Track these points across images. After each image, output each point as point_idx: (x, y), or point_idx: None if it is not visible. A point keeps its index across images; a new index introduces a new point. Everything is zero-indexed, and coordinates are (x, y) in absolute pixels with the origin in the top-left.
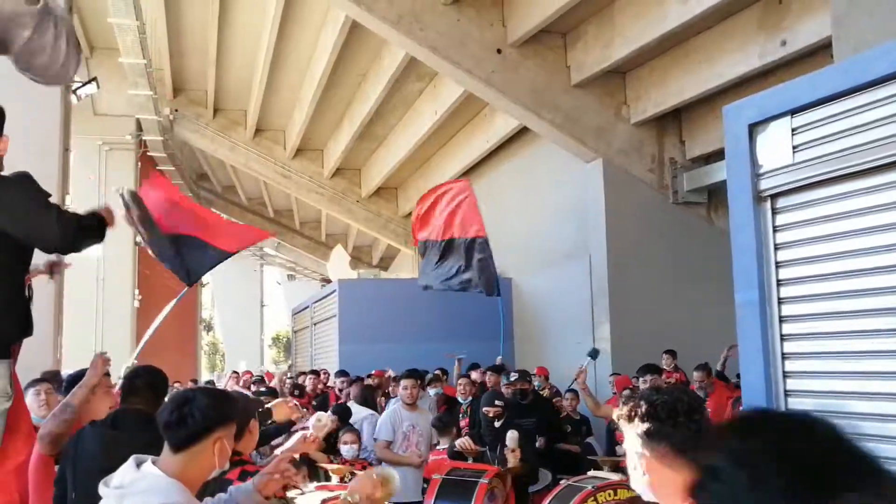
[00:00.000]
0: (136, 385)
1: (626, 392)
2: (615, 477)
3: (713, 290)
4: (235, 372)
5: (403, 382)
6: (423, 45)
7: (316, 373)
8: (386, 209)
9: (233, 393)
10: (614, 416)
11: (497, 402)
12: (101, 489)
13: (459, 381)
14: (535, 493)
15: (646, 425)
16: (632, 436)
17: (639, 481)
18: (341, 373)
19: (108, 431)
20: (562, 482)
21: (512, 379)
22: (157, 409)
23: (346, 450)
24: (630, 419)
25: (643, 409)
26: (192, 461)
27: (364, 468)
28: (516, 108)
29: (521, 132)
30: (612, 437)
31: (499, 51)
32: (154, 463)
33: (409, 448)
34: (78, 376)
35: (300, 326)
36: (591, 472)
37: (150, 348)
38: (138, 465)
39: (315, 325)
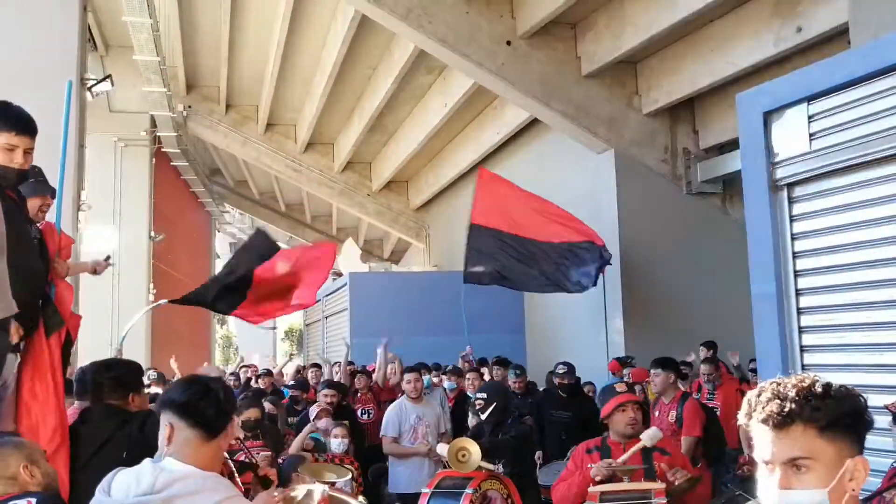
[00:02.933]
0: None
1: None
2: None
3: (729, 282)
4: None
5: (407, 376)
6: (432, 38)
7: (318, 366)
8: (397, 202)
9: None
10: (750, 420)
11: (478, 395)
12: (107, 499)
13: (468, 376)
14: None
15: (867, 422)
16: (788, 443)
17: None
18: (331, 384)
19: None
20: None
21: (560, 372)
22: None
23: (337, 444)
24: (853, 415)
25: (862, 403)
26: (220, 446)
27: (351, 463)
28: (526, 100)
29: (532, 124)
30: None
31: (508, 42)
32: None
33: (416, 440)
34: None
35: (312, 319)
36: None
37: (165, 342)
38: (154, 462)
39: (327, 318)
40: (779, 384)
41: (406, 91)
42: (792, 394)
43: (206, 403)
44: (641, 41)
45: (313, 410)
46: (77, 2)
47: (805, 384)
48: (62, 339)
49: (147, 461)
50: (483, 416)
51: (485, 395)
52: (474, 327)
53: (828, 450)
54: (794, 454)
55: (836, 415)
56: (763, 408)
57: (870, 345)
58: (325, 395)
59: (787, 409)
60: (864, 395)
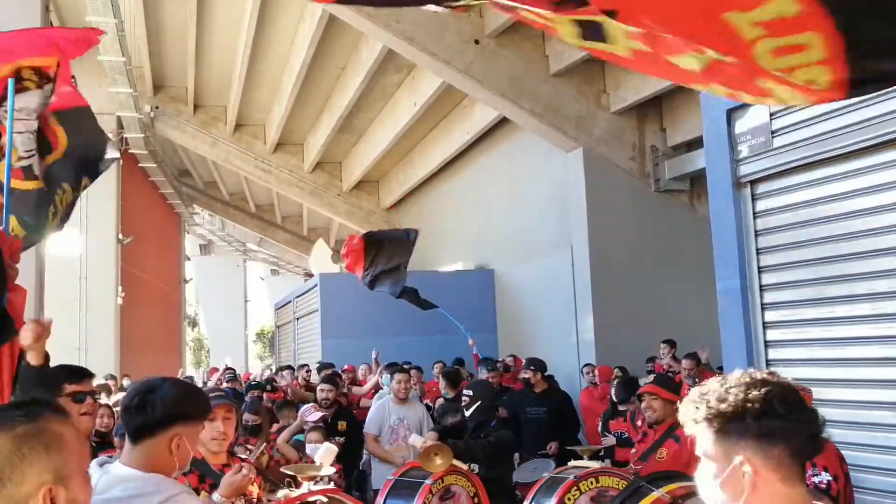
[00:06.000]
0: None
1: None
2: (595, 464)
3: (697, 278)
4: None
5: (397, 377)
6: (400, 37)
7: (291, 368)
8: (367, 202)
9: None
10: (691, 417)
11: (465, 392)
12: None
13: (437, 376)
14: (526, 483)
15: (759, 423)
16: (698, 440)
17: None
18: (328, 379)
19: None
20: (544, 475)
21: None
22: None
23: (312, 449)
24: (736, 416)
25: (758, 404)
26: (149, 456)
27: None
28: (495, 99)
29: (501, 123)
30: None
31: (476, 41)
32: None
33: (395, 442)
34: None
35: (283, 321)
36: (573, 463)
37: (137, 345)
38: (101, 465)
39: (298, 319)
40: (704, 388)
41: (375, 90)
42: (708, 396)
43: (132, 404)
44: None
45: (308, 411)
46: (39, 1)
47: (719, 387)
48: (14, 352)
49: (94, 463)
50: (468, 413)
51: (471, 393)
52: (445, 327)
53: (717, 448)
54: (700, 450)
55: (717, 416)
56: (696, 408)
57: (830, 339)
58: (322, 391)
59: (695, 411)
60: (765, 398)
